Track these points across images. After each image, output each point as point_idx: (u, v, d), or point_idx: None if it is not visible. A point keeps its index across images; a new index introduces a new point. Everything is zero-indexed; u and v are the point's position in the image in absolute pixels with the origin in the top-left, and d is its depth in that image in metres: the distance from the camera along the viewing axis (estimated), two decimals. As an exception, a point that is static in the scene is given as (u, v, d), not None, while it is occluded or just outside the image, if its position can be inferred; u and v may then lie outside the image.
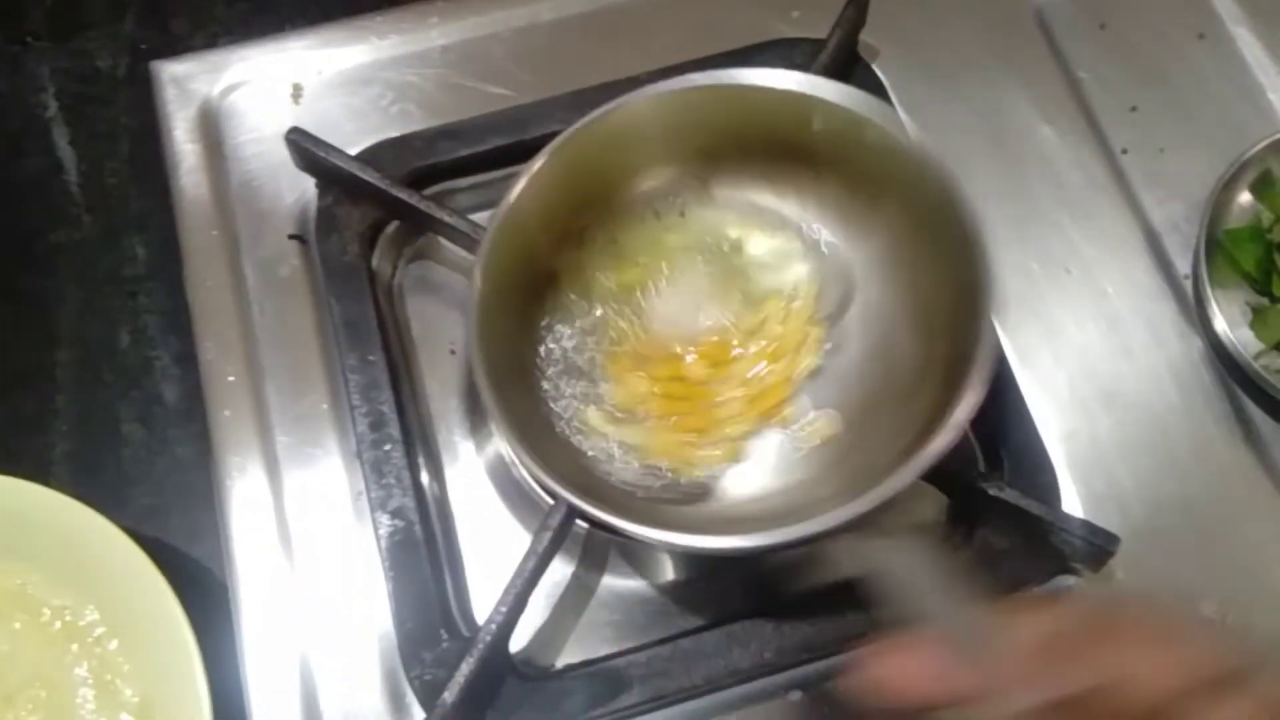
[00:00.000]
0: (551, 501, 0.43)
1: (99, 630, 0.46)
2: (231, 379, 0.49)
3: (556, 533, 0.43)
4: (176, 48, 0.59)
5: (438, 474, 0.48)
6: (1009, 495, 0.43)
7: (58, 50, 0.60)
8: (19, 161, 0.57)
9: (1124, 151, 0.53)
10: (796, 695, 0.44)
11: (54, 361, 0.53)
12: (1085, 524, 0.43)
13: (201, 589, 0.47)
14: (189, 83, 0.55)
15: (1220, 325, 0.48)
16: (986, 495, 0.43)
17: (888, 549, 0.35)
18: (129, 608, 0.45)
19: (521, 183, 0.44)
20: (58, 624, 0.46)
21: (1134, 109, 0.54)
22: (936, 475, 0.44)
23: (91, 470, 0.51)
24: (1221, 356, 0.49)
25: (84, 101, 0.59)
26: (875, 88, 0.53)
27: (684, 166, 0.48)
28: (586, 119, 0.45)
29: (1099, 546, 0.43)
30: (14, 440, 0.51)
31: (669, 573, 0.47)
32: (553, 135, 0.44)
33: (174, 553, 0.49)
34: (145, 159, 0.56)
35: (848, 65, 0.53)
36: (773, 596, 0.45)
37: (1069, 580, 0.45)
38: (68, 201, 0.56)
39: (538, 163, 0.44)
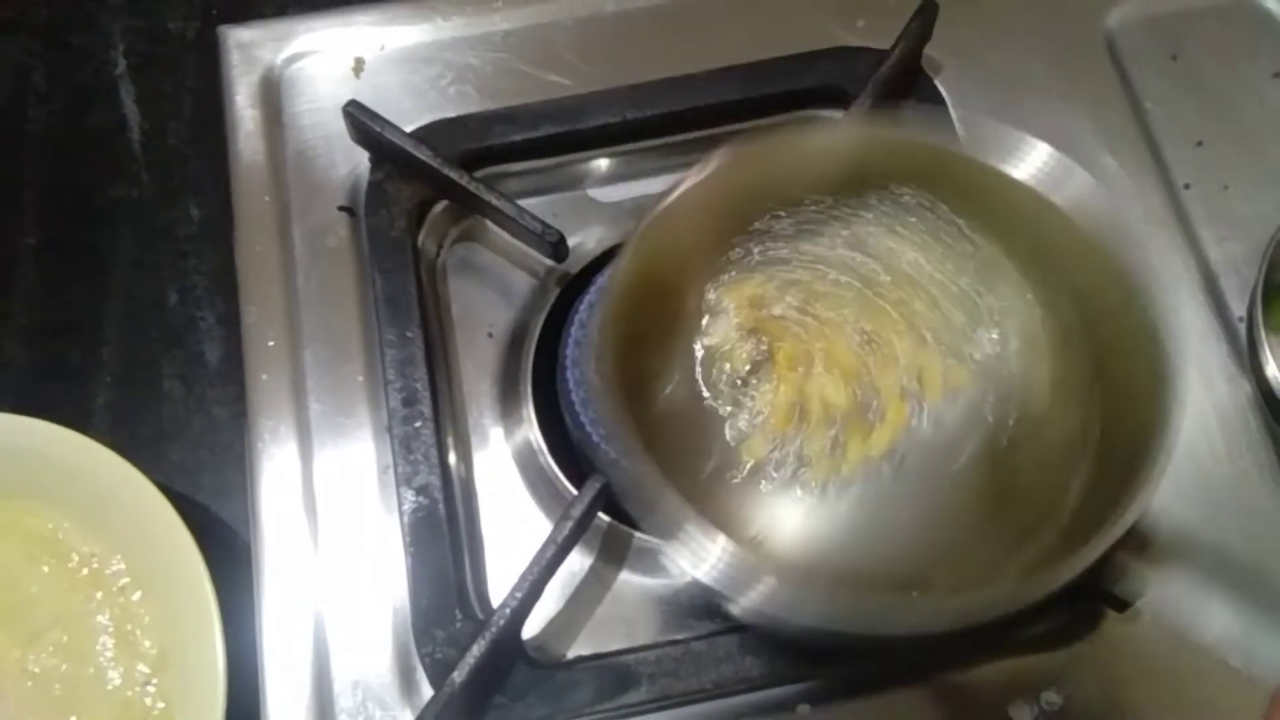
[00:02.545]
0: (574, 491, 0.43)
1: (123, 580, 0.47)
2: (271, 343, 0.49)
3: (577, 523, 0.43)
4: (247, 14, 0.60)
5: (465, 455, 0.49)
6: (1039, 526, 0.42)
7: (131, 9, 0.61)
8: (85, 116, 0.59)
9: (1186, 186, 0.52)
10: (806, 710, 0.44)
11: (102, 313, 0.54)
12: (1114, 567, 0.42)
13: (226, 548, 0.48)
14: (254, 49, 0.56)
15: (1272, 371, 0.47)
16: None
17: None
18: (155, 561, 0.45)
19: (686, 184, 0.40)
20: (85, 571, 0.47)
21: (1200, 144, 0.53)
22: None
23: (130, 423, 0.52)
24: (1270, 403, 0.48)
25: (152, 62, 0.60)
26: (936, 102, 0.53)
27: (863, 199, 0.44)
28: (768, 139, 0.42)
29: (1128, 589, 0.42)
30: (58, 388, 0.53)
31: (686, 573, 0.47)
32: (606, 126, 0.43)
33: (202, 510, 0.50)
34: (206, 122, 0.56)
35: (910, 78, 0.52)
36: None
37: (1093, 617, 0.44)
38: (128, 159, 0.57)
39: (709, 167, 0.40)
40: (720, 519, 0.37)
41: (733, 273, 0.44)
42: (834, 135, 0.44)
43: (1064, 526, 0.39)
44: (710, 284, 0.44)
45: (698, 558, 0.35)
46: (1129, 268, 0.40)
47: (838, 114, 0.52)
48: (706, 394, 0.42)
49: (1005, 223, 0.43)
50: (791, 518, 0.40)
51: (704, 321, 0.43)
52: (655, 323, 0.42)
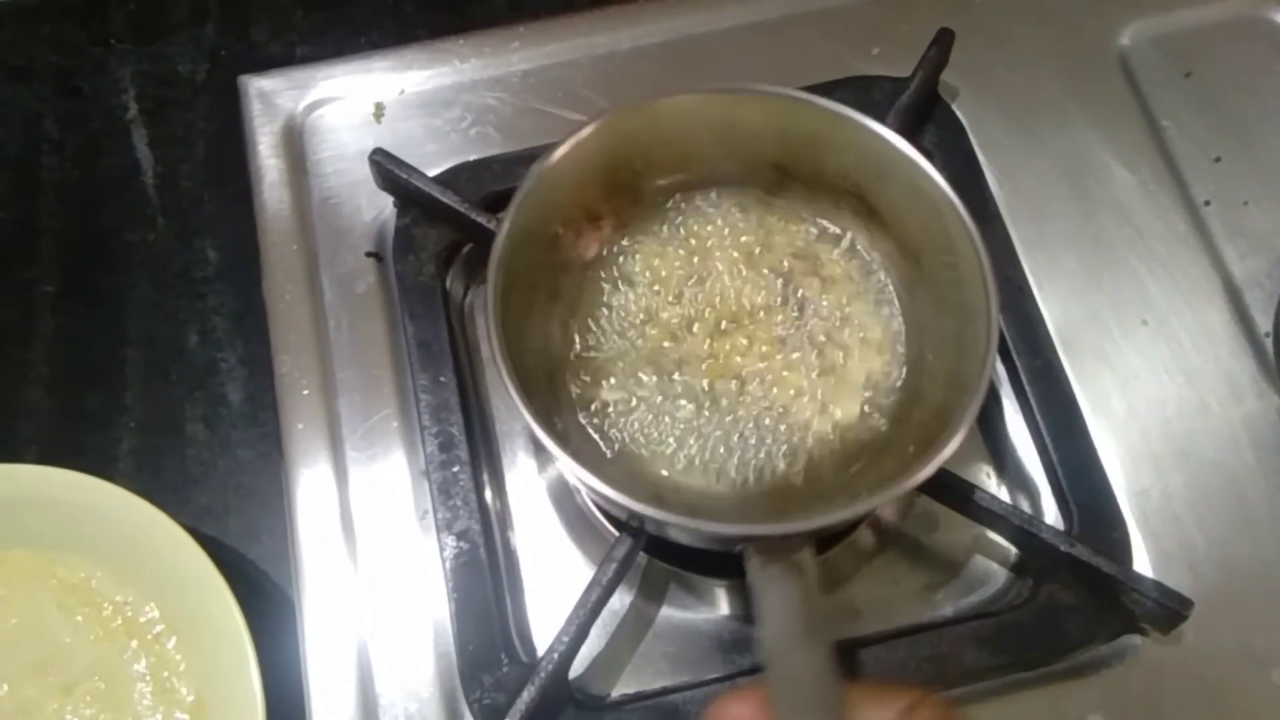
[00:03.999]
0: (616, 534, 0.43)
1: (158, 628, 0.47)
2: (306, 392, 0.50)
3: (621, 564, 0.43)
4: (255, 55, 0.60)
5: (501, 495, 0.49)
6: (1080, 552, 0.42)
7: (140, 53, 0.61)
8: (98, 161, 0.59)
9: (1206, 203, 0.53)
10: (851, 740, 0.44)
11: (123, 359, 0.54)
12: (1158, 585, 0.42)
13: (258, 591, 0.48)
14: (275, 98, 0.56)
15: (1300, 385, 0.47)
16: (1057, 550, 0.43)
17: (768, 572, 0.35)
18: (188, 607, 0.45)
19: (564, 148, 0.43)
20: (118, 619, 0.47)
21: (1218, 160, 0.53)
22: (1006, 526, 0.44)
23: (155, 468, 0.52)
24: (1300, 417, 0.48)
25: (163, 105, 0.60)
26: (954, 128, 0.53)
27: (739, 168, 0.47)
28: (636, 103, 0.44)
29: (1171, 609, 0.42)
30: (82, 435, 0.53)
31: (725, 607, 0.47)
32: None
33: (232, 553, 0.50)
34: (221, 163, 0.57)
35: (928, 105, 0.52)
36: (835, 640, 0.45)
37: (1135, 639, 0.45)
38: (143, 202, 0.57)
39: (585, 130, 0.43)
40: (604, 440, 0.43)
41: (610, 233, 0.47)
42: (708, 98, 0.45)
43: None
44: (598, 236, 0.46)
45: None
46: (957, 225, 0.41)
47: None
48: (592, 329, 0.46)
49: (861, 173, 0.45)
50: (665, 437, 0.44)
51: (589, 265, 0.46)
52: (546, 272, 0.45)
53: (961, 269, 0.41)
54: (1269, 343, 0.50)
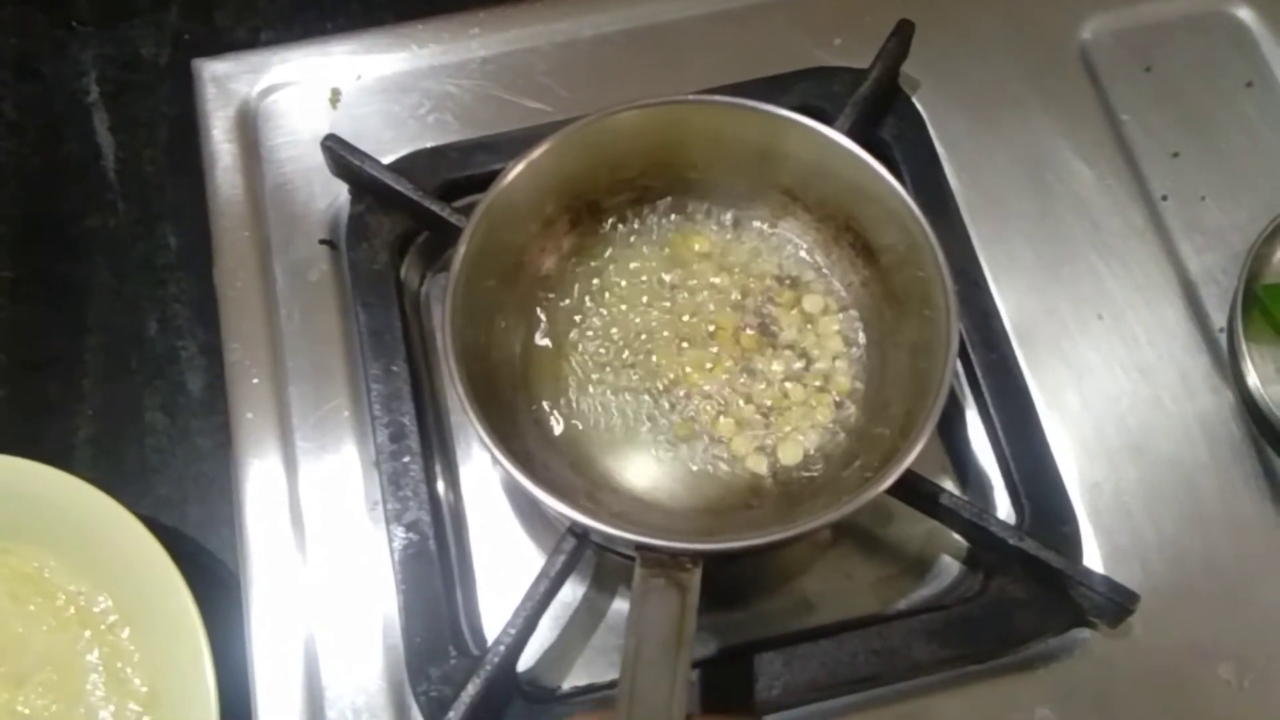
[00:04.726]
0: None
1: (112, 618, 0.46)
2: (256, 381, 0.49)
3: (570, 556, 0.43)
4: (219, 39, 0.59)
5: (454, 486, 0.48)
6: (1029, 546, 0.42)
7: (102, 37, 0.60)
8: (59, 146, 0.58)
9: (1164, 198, 0.53)
10: (798, 735, 0.44)
11: (82, 346, 0.54)
12: (1106, 580, 0.42)
13: (215, 580, 0.48)
14: (229, 82, 0.55)
15: (1253, 381, 0.47)
16: (1006, 544, 0.43)
17: (649, 584, 0.36)
18: (142, 597, 0.45)
19: (519, 167, 0.43)
20: (72, 609, 0.46)
21: (1176, 155, 0.53)
22: (956, 520, 0.44)
23: (113, 457, 0.51)
24: (1253, 413, 0.48)
25: (125, 89, 0.59)
26: (914, 120, 0.53)
27: (691, 180, 0.48)
28: (594, 116, 0.45)
29: (1119, 604, 0.42)
30: (39, 423, 0.52)
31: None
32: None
33: (190, 543, 0.49)
34: (183, 149, 0.56)
35: (887, 97, 0.52)
36: (785, 634, 0.45)
37: (1084, 633, 0.45)
38: (104, 188, 0.57)
39: (536, 151, 0.44)
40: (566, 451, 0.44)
41: (570, 249, 0.48)
42: (661, 111, 0.45)
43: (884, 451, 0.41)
44: (552, 257, 0.47)
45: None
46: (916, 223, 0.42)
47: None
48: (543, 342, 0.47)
49: (824, 187, 0.46)
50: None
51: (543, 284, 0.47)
52: (503, 289, 0.46)
53: (926, 277, 0.42)
54: (1223, 339, 0.50)
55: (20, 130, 0.58)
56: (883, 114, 0.52)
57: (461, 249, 0.41)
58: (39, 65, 0.60)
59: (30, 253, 0.56)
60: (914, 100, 0.54)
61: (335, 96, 0.55)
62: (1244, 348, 0.48)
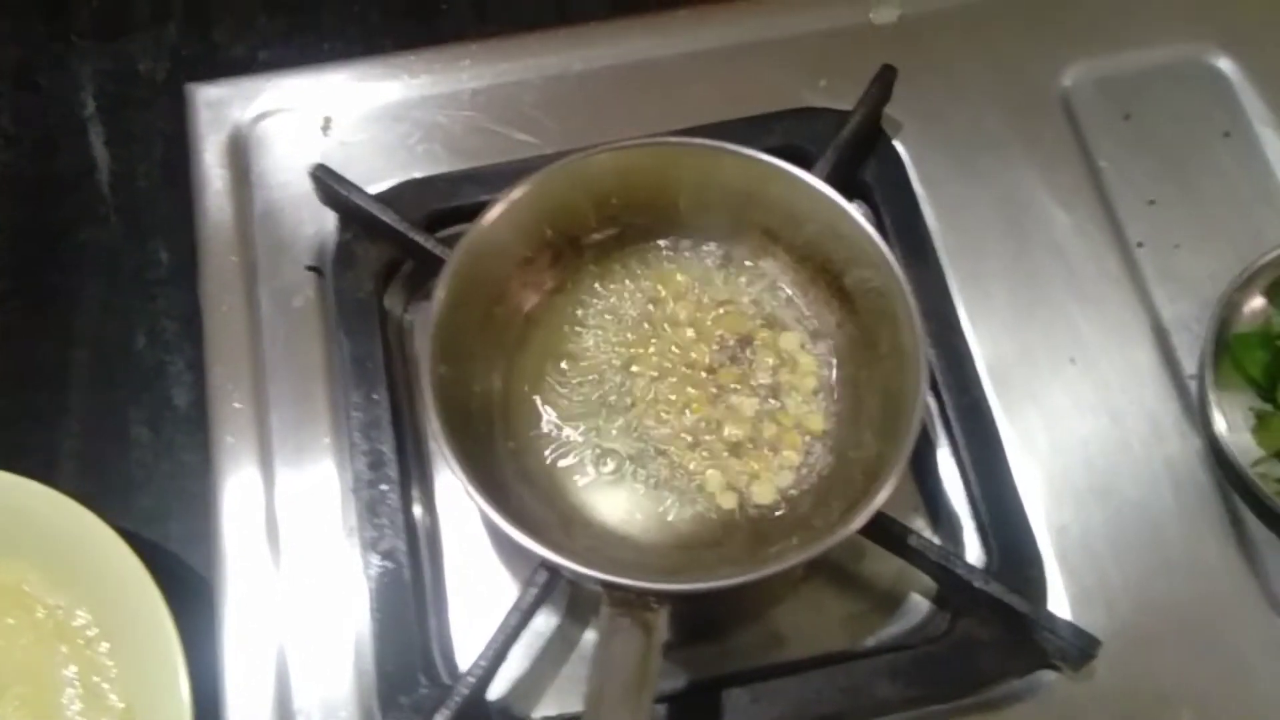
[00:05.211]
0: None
1: (90, 633, 0.46)
2: (237, 405, 0.50)
3: (543, 589, 0.43)
4: (216, 56, 0.60)
5: (431, 513, 0.49)
6: (994, 589, 0.43)
7: (100, 51, 0.61)
8: (54, 158, 0.58)
9: (1139, 245, 0.53)
10: (767, 764, 0.44)
11: (70, 359, 0.54)
12: (1070, 625, 0.43)
13: (196, 596, 0.48)
14: (223, 107, 0.56)
15: (1220, 428, 0.48)
16: (972, 587, 0.43)
17: (615, 624, 0.36)
18: (121, 613, 0.45)
19: (500, 207, 0.44)
20: (50, 623, 0.47)
21: (1152, 202, 0.54)
22: (924, 561, 0.45)
23: (98, 471, 0.52)
24: (1220, 460, 0.49)
25: (122, 104, 0.59)
26: (894, 163, 0.54)
27: (672, 218, 0.49)
28: (576, 156, 0.46)
29: (1082, 649, 0.43)
30: (24, 435, 0.52)
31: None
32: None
33: (172, 559, 0.50)
34: (177, 164, 0.56)
35: (870, 139, 0.53)
36: (754, 668, 0.45)
37: (1049, 675, 0.45)
38: (97, 201, 0.57)
39: (517, 191, 0.45)
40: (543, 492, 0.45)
41: (551, 285, 0.49)
42: (643, 152, 0.46)
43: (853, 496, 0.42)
44: (533, 294, 0.48)
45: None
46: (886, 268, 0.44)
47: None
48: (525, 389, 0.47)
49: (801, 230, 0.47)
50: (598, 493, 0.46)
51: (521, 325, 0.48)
52: (484, 323, 0.47)
53: (897, 321, 0.43)
54: (1193, 385, 0.50)
55: (16, 141, 0.59)
56: (864, 156, 0.53)
57: (442, 287, 0.42)
58: (37, 77, 0.60)
59: (21, 264, 0.56)
60: (895, 142, 0.54)
61: (327, 124, 0.56)
62: (1213, 395, 0.48)
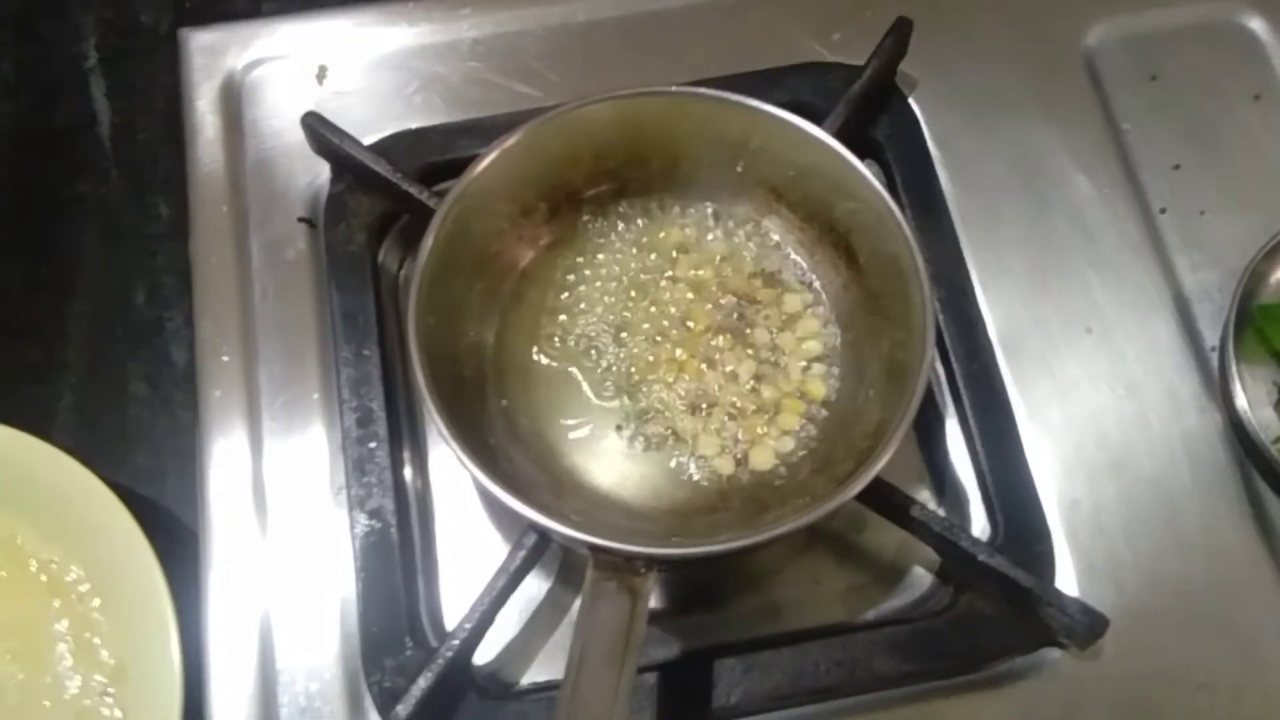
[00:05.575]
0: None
1: (83, 588, 0.46)
2: (226, 359, 0.49)
3: (531, 551, 0.42)
4: (219, 7, 0.59)
5: (422, 474, 0.48)
6: (998, 563, 0.42)
7: (102, 1, 0.60)
8: (54, 110, 0.58)
9: (1162, 211, 0.51)
10: (761, 743, 0.43)
11: (68, 313, 0.53)
12: (1077, 602, 0.41)
13: (190, 553, 0.47)
14: (217, 53, 0.55)
15: (1242, 403, 0.46)
16: (976, 560, 0.42)
17: (600, 587, 0.35)
18: (114, 569, 0.45)
19: (492, 154, 0.43)
20: (43, 577, 0.46)
21: (1177, 167, 0.52)
22: (927, 532, 0.43)
23: (94, 425, 0.51)
24: (1240, 436, 0.47)
25: (124, 55, 0.59)
26: (908, 120, 0.52)
27: (674, 173, 0.47)
28: (571, 105, 0.44)
29: (1089, 627, 0.41)
30: (21, 388, 0.52)
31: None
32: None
33: (166, 515, 0.49)
34: (179, 118, 0.55)
35: (883, 95, 0.51)
36: (750, 639, 0.44)
37: (1054, 653, 0.44)
38: (98, 154, 0.56)
39: (511, 139, 0.43)
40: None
41: (547, 240, 0.47)
42: (642, 103, 0.45)
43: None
44: (528, 249, 0.47)
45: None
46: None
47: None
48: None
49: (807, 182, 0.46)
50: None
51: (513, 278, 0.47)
52: (476, 279, 0.45)
53: (906, 283, 0.41)
54: (1214, 358, 0.49)
55: (16, 92, 0.58)
56: (877, 113, 0.51)
57: (431, 236, 0.41)
58: (39, 28, 0.59)
59: (20, 216, 0.56)
60: (910, 100, 0.52)
61: (322, 73, 0.54)
62: (1235, 368, 0.46)
